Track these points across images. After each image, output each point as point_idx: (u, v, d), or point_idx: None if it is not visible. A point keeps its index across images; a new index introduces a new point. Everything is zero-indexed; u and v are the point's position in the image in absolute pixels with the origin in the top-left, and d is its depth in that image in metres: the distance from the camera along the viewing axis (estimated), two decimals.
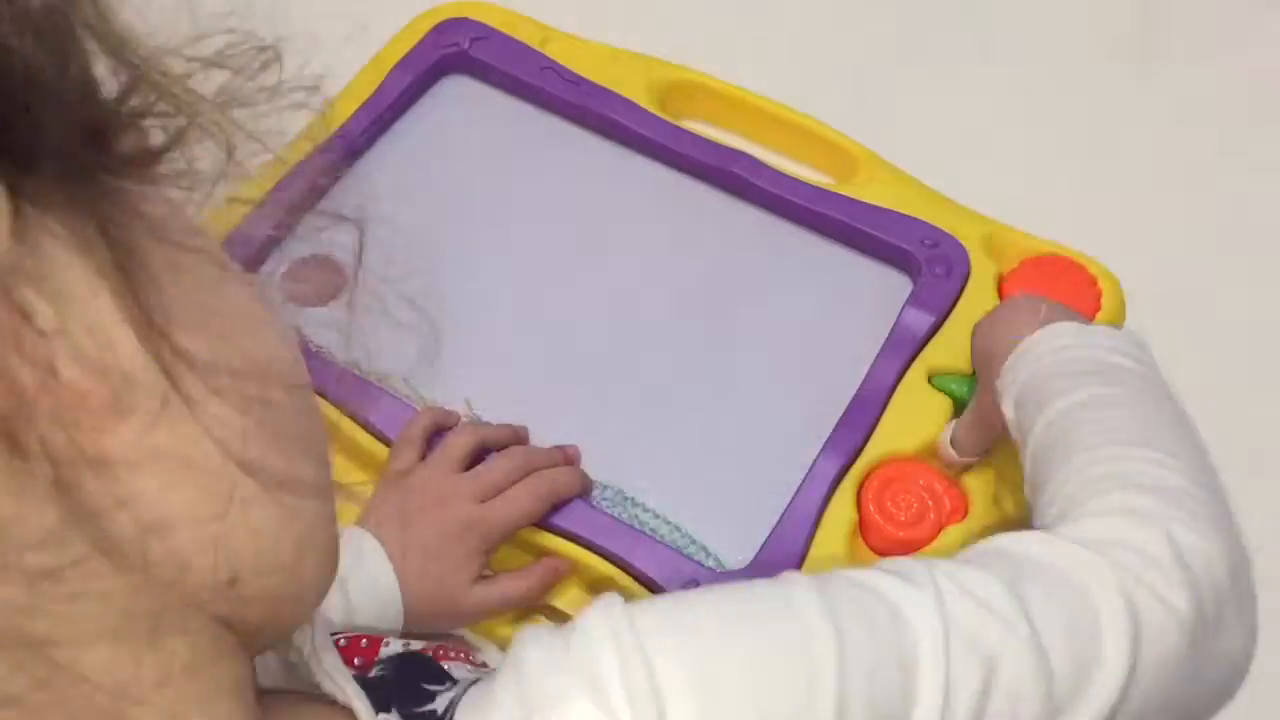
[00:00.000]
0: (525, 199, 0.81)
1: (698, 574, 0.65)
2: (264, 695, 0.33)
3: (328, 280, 0.77)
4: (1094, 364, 0.55)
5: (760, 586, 0.39)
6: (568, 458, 0.69)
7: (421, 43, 0.86)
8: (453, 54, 0.86)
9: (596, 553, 0.66)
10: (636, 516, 0.68)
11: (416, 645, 0.49)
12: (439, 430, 0.69)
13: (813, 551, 0.66)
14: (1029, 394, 0.56)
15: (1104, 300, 0.74)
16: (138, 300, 0.27)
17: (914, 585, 0.39)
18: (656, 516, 0.68)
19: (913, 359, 0.72)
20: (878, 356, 0.72)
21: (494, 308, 0.76)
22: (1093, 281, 0.75)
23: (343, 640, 0.50)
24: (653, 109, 0.83)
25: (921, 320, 0.73)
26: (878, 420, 0.70)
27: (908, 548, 0.66)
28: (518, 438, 0.69)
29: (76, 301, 0.26)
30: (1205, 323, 0.78)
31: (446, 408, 0.71)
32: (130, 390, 0.27)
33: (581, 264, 0.78)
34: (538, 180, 0.82)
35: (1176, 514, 0.45)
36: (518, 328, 0.76)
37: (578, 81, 0.84)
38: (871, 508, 0.67)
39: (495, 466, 0.65)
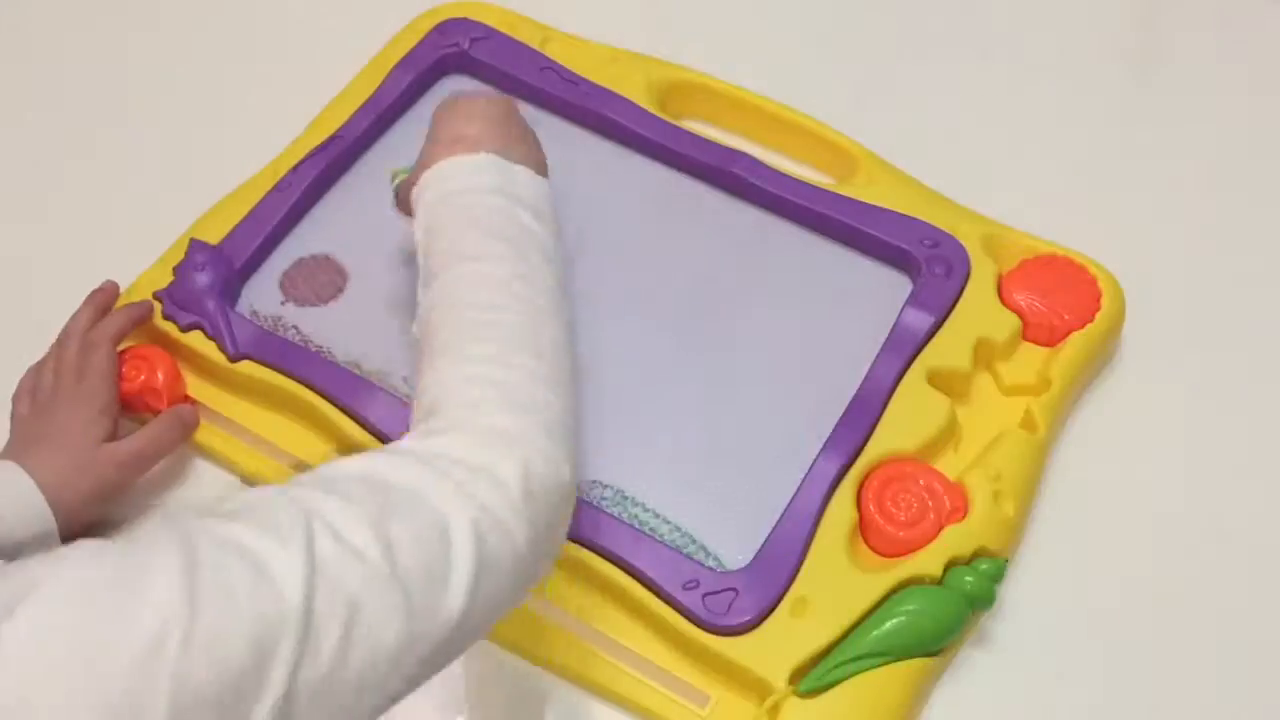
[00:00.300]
0: None
1: (697, 573, 0.65)
2: None
3: (327, 280, 0.77)
4: (509, 225, 0.59)
5: (127, 551, 0.40)
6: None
7: (422, 43, 0.86)
8: (453, 54, 0.86)
9: (597, 552, 0.66)
10: (636, 516, 0.68)
11: None
12: (104, 311, 0.73)
13: (813, 551, 0.66)
14: (439, 232, 0.60)
15: (1104, 300, 0.74)
16: None
17: (283, 539, 0.42)
18: (656, 516, 0.68)
19: (913, 359, 0.72)
20: (878, 356, 0.72)
21: None
22: (1092, 282, 0.75)
23: None
24: (652, 109, 0.83)
25: (921, 320, 0.73)
26: (878, 420, 0.70)
27: (908, 547, 0.66)
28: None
29: None
30: (1205, 323, 0.78)
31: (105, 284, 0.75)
32: None
33: (581, 263, 0.78)
34: None
35: (536, 440, 0.51)
36: None
37: (577, 81, 0.84)
38: (871, 507, 0.67)
39: (54, 351, 0.71)
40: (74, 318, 0.72)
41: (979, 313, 0.73)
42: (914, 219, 0.77)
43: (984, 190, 0.79)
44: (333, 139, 0.81)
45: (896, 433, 0.69)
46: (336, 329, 0.75)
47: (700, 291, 0.77)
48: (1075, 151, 0.86)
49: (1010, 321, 0.73)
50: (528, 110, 0.85)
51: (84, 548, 0.40)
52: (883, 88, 0.89)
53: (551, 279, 0.59)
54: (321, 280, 0.77)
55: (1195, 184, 0.85)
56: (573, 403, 0.55)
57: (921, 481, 0.67)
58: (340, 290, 0.77)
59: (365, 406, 0.70)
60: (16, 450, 0.67)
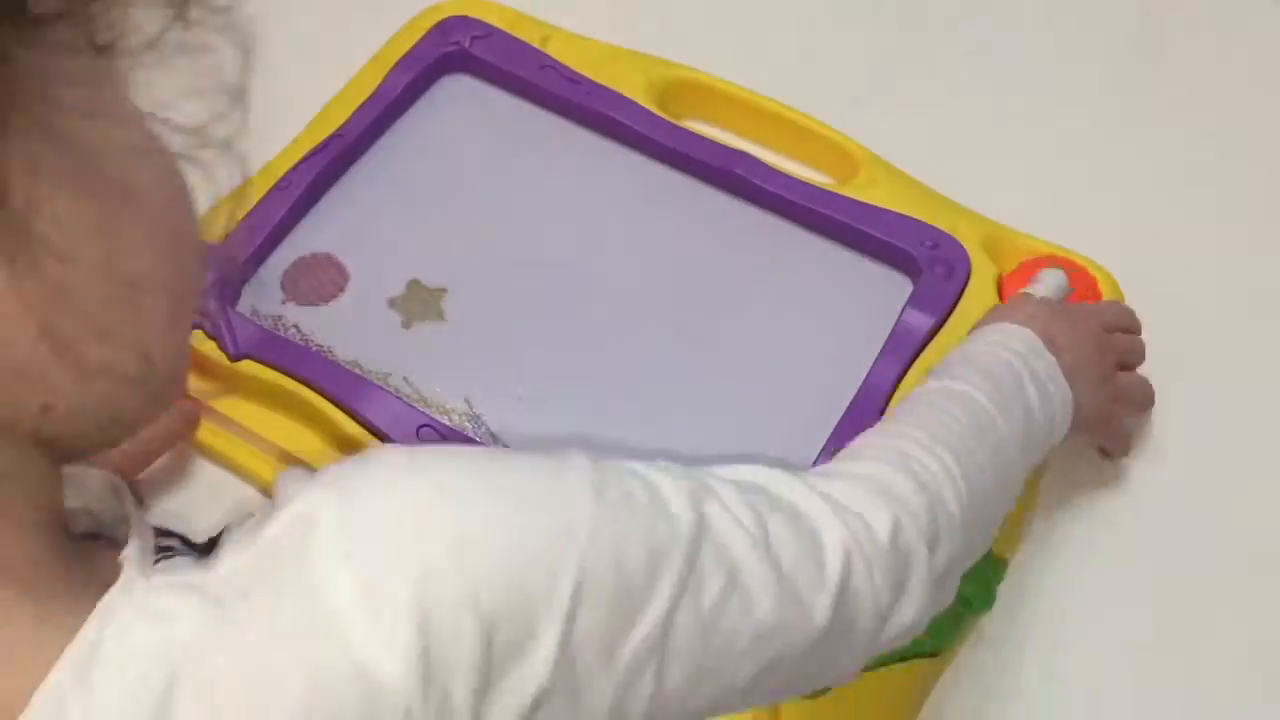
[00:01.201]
0: (525, 198, 0.81)
1: None
2: (74, 538, 0.36)
3: (328, 279, 0.77)
4: (1008, 376, 0.60)
5: (544, 458, 0.41)
6: None
7: (422, 41, 0.86)
8: (453, 52, 0.86)
9: None
10: None
11: None
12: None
13: None
14: (945, 366, 0.62)
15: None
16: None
17: (674, 487, 0.42)
18: None
19: (913, 360, 0.72)
20: (878, 357, 0.72)
21: (494, 306, 0.76)
22: (1092, 283, 0.75)
23: None
24: (653, 108, 0.83)
25: (922, 321, 0.73)
26: (878, 421, 0.70)
27: None
28: None
29: None
30: (1206, 322, 0.78)
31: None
32: None
33: (581, 263, 0.78)
34: (538, 179, 0.82)
35: (913, 507, 0.50)
36: (517, 326, 0.76)
37: (578, 80, 0.84)
38: None
39: None
40: None
41: (979, 314, 0.73)
42: (914, 220, 0.77)
43: (984, 191, 0.79)
44: (333, 137, 0.81)
45: None
46: (337, 328, 0.75)
47: (699, 291, 0.77)
48: (1076, 153, 0.86)
49: None
50: (528, 109, 0.85)
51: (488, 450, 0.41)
52: (884, 88, 0.89)
53: (1021, 436, 0.59)
54: (322, 279, 0.77)
55: (1196, 185, 0.85)
56: (964, 551, 0.53)
57: None
58: (341, 289, 0.77)
59: (366, 406, 0.70)
60: None
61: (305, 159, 0.80)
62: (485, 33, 0.86)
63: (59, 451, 0.34)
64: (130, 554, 0.35)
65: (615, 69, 0.84)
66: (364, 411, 0.70)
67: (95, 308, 0.32)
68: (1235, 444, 0.74)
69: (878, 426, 0.58)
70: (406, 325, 0.76)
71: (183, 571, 0.35)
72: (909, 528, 0.49)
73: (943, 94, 0.89)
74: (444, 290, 0.77)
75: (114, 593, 0.33)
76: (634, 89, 0.83)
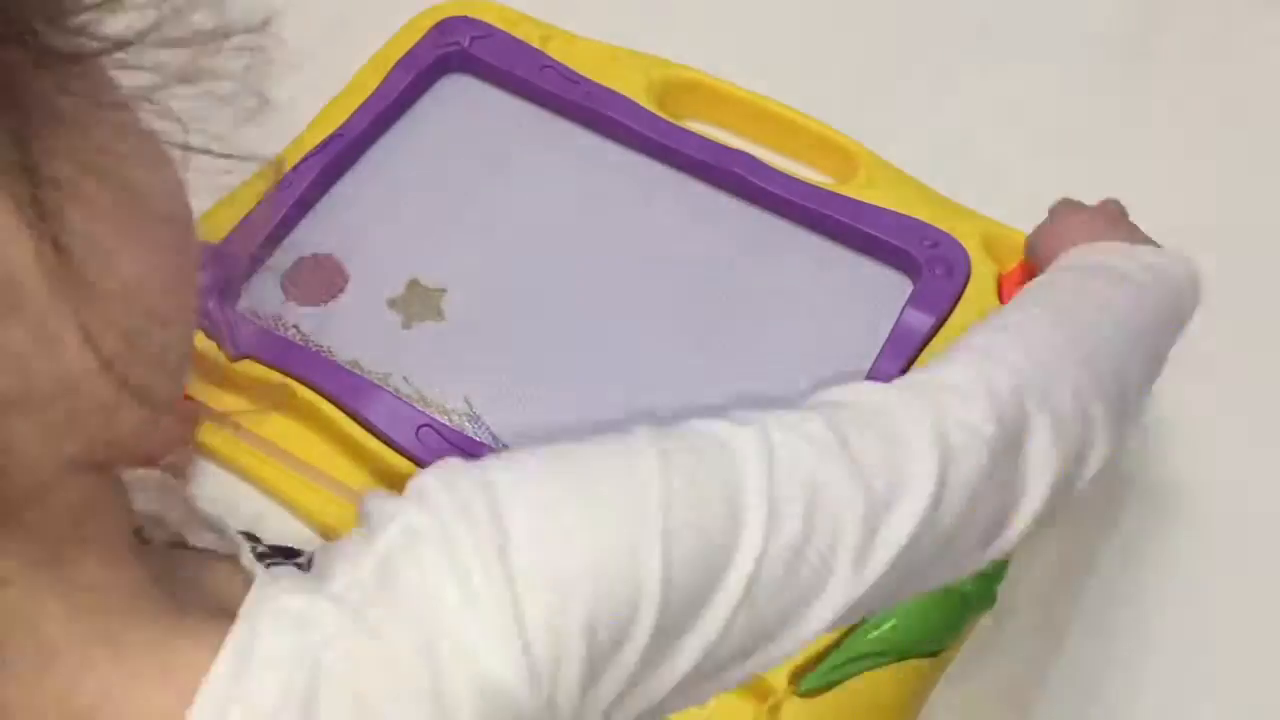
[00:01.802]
0: (525, 198, 0.81)
1: None
2: (150, 549, 0.36)
3: (328, 280, 0.77)
4: (1110, 271, 0.58)
5: (603, 436, 0.41)
6: None
7: (421, 41, 0.86)
8: (453, 52, 0.86)
9: None
10: None
11: None
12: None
13: None
14: (1039, 281, 0.59)
15: None
16: (36, 207, 0.27)
17: (740, 422, 0.41)
18: None
19: (913, 359, 0.72)
20: (878, 357, 0.72)
21: (493, 306, 0.76)
22: None
23: None
24: (653, 108, 0.83)
25: (922, 321, 0.73)
26: None
27: None
28: None
29: None
30: (1207, 321, 0.78)
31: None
32: (13, 295, 0.28)
33: (581, 263, 0.78)
34: (537, 179, 0.82)
35: (998, 366, 0.47)
36: (517, 326, 0.76)
37: (578, 80, 0.84)
38: None
39: None
40: None
41: (979, 313, 0.73)
42: (914, 219, 0.77)
43: (984, 191, 0.80)
44: (333, 137, 0.81)
45: None
46: (337, 328, 0.75)
47: (699, 291, 0.77)
48: (1075, 152, 0.86)
49: None
50: (528, 109, 0.85)
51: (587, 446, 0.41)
52: (883, 88, 0.89)
53: (1136, 299, 0.57)
54: (322, 279, 0.77)
55: (1197, 184, 0.85)
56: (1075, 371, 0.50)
57: None
58: (341, 289, 0.77)
59: (366, 406, 0.70)
60: None
61: (305, 159, 0.80)
62: (485, 33, 0.86)
63: (117, 468, 0.35)
64: (248, 561, 0.36)
65: (615, 69, 0.84)
66: (364, 411, 0.70)
67: (148, 344, 0.32)
68: (1237, 443, 0.74)
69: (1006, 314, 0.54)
70: (406, 325, 0.76)
71: (302, 579, 0.36)
72: (1005, 378, 0.47)
73: (942, 93, 0.89)
74: (443, 290, 0.77)
75: (252, 599, 0.34)
76: (634, 89, 0.83)
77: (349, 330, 0.75)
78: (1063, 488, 0.49)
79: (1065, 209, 0.68)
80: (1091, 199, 0.83)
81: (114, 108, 0.30)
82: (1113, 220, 0.65)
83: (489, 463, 0.38)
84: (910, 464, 0.43)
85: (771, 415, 0.42)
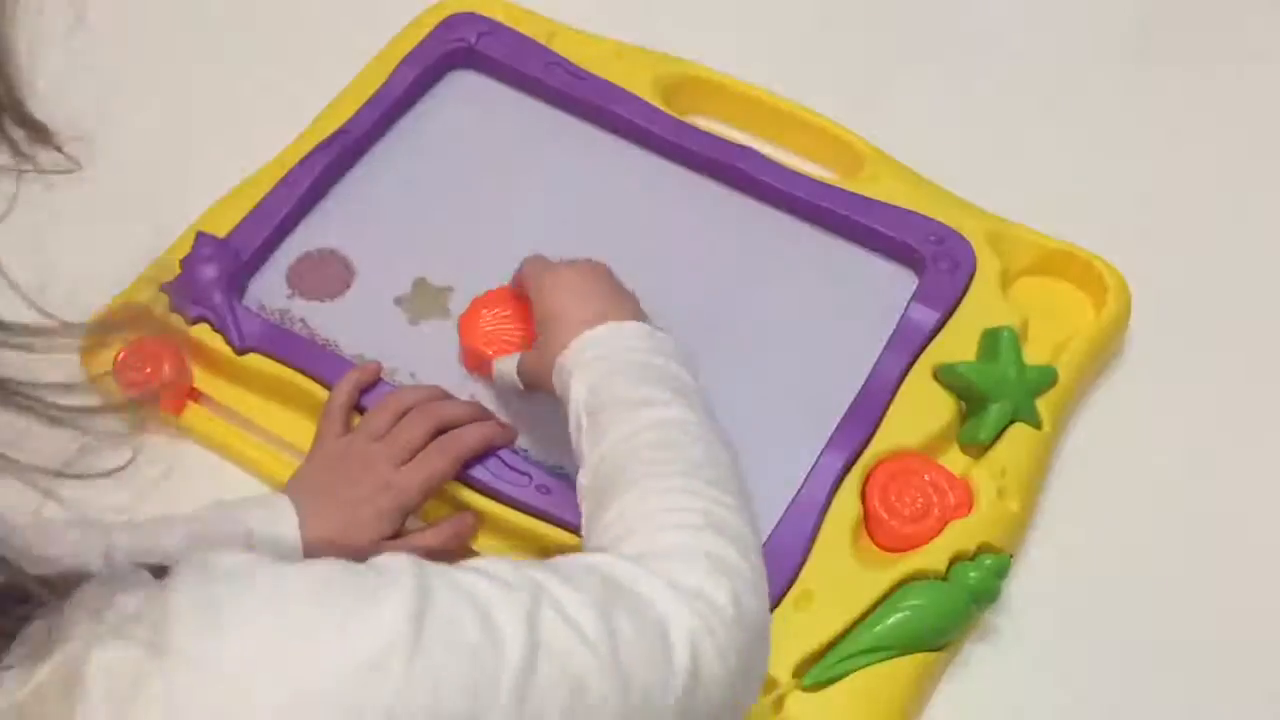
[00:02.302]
0: (530, 193, 0.81)
1: None
2: None
3: (334, 274, 0.78)
4: (664, 376, 0.58)
5: (361, 574, 0.41)
6: (479, 413, 0.70)
7: (428, 37, 0.86)
8: (459, 49, 0.86)
9: None
10: None
11: None
12: (365, 389, 0.70)
13: (817, 545, 0.66)
14: (603, 390, 0.58)
15: (1110, 296, 0.74)
16: None
17: (510, 603, 0.42)
18: None
19: (918, 354, 0.72)
20: (883, 352, 0.72)
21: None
22: (1099, 277, 0.75)
23: None
24: (658, 104, 0.83)
25: (927, 316, 0.73)
26: (883, 415, 0.70)
27: (912, 542, 0.66)
28: (432, 397, 0.70)
29: None
30: (1211, 319, 0.78)
31: (367, 363, 0.72)
32: None
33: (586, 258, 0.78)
34: (543, 174, 0.82)
35: (743, 570, 0.49)
36: None
37: (583, 76, 0.84)
38: (876, 502, 0.67)
39: (406, 426, 0.67)
40: (435, 395, 0.69)
41: (984, 308, 0.73)
42: (919, 215, 0.77)
43: (989, 186, 0.79)
44: (339, 133, 0.81)
45: (901, 428, 0.69)
46: (343, 323, 0.75)
47: (705, 286, 0.77)
48: (1081, 148, 0.86)
49: (1015, 318, 0.73)
50: (534, 105, 0.85)
51: (326, 562, 0.41)
52: (888, 84, 0.89)
53: (712, 425, 0.58)
54: (328, 274, 0.77)
55: (1201, 181, 0.85)
56: (756, 539, 0.53)
57: (926, 477, 0.67)
58: (347, 285, 0.77)
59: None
60: (307, 481, 0.66)
61: (311, 154, 0.80)
62: (491, 29, 0.86)
63: None
64: None
65: (621, 65, 0.84)
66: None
67: None
68: (1240, 440, 0.74)
69: (630, 485, 0.54)
70: (413, 322, 0.76)
71: None
72: (744, 593, 0.48)
73: (947, 90, 0.89)
74: (450, 289, 0.77)
75: None
76: (639, 85, 0.83)
77: (355, 326, 0.75)
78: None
79: (540, 267, 0.67)
80: (1097, 195, 0.84)
81: None
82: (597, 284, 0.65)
83: (219, 595, 0.38)
84: (665, 688, 0.44)
85: (548, 594, 0.43)
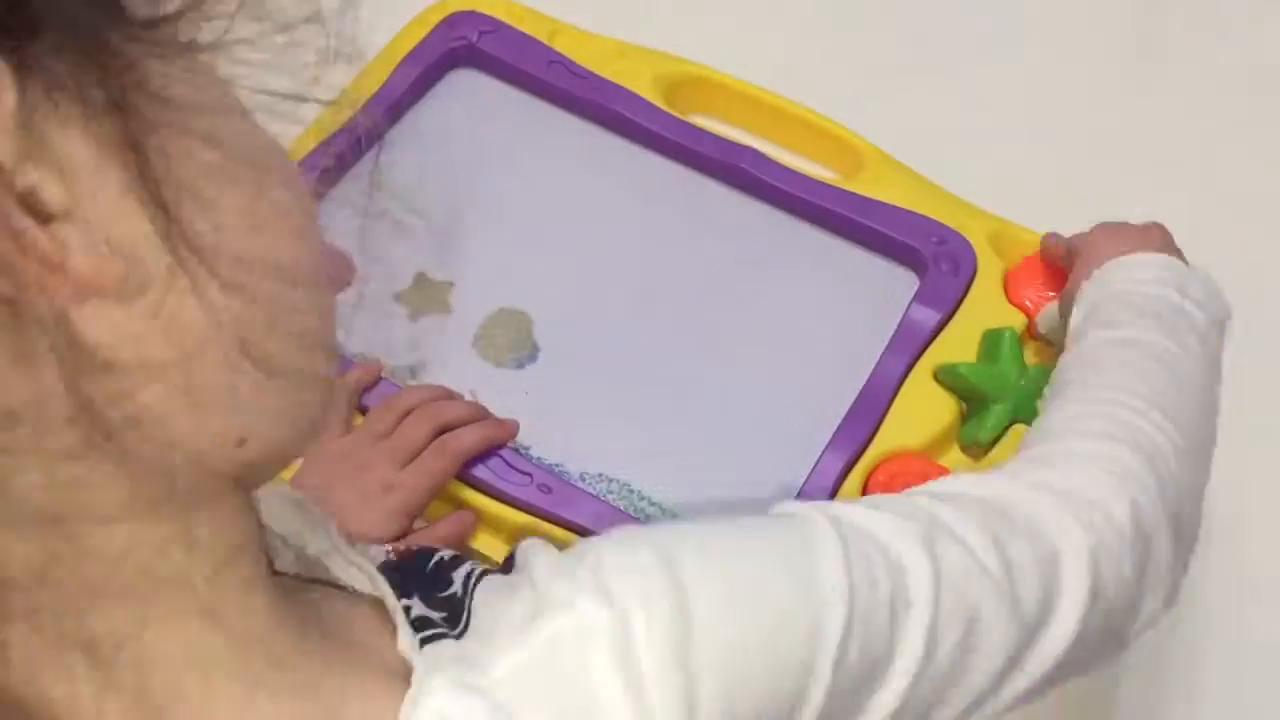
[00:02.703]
0: (532, 193, 0.81)
1: None
2: (284, 580, 0.34)
3: (335, 273, 0.77)
4: (1166, 306, 0.58)
5: (785, 526, 0.41)
6: (480, 413, 0.70)
7: (429, 36, 0.86)
8: (460, 47, 0.86)
9: None
10: (642, 510, 0.68)
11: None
12: (367, 389, 0.71)
13: None
14: (1094, 312, 0.59)
15: None
16: (147, 180, 0.27)
17: (912, 537, 0.41)
18: (662, 510, 0.68)
19: (919, 355, 0.72)
20: (884, 352, 0.72)
21: (500, 301, 0.76)
22: None
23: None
24: (660, 103, 0.83)
25: (928, 317, 0.73)
26: (884, 416, 0.70)
27: None
28: (434, 397, 0.70)
29: (84, 181, 0.26)
30: None
31: (368, 363, 0.72)
32: (138, 273, 0.27)
33: (588, 258, 0.78)
34: (544, 174, 0.82)
35: (1148, 483, 0.48)
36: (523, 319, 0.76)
37: (585, 76, 0.84)
38: None
39: (408, 427, 0.67)
40: (437, 396, 0.69)
41: (985, 309, 0.73)
42: (920, 215, 0.77)
43: (990, 187, 0.79)
44: (340, 132, 0.81)
45: (902, 429, 0.69)
46: (343, 319, 0.75)
47: (705, 286, 0.77)
48: (1082, 149, 0.86)
49: (1016, 319, 0.73)
50: (535, 104, 0.85)
51: (746, 520, 0.41)
52: (889, 84, 0.89)
53: (1204, 361, 0.57)
54: (328, 273, 0.77)
55: (1201, 182, 0.85)
56: (1197, 480, 0.52)
57: (927, 477, 0.67)
58: (348, 283, 0.77)
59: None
60: (308, 481, 0.65)
61: (312, 152, 0.80)
62: (493, 28, 0.86)
63: (251, 484, 0.33)
64: (405, 646, 0.34)
65: (622, 64, 0.84)
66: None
67: (275, 309, 0.31)
68: (1241, 440, 0.74)
69: (1065, 390, 0.54)
70: (413, 318, 0.76)
71: (456, 665, 0.34)
72: (1147, 508, 0.47)
73: (949, 90, 0.89)
74: (450, 284, 0.77)
75: (410, 699, 0.33)
76: (641, 84, 0.83)
77: (355, 321, 0.75)
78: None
79: (1108, 226, 0.68)
80: (1098, 196, 0.84)
81: (195, 64, 0.30)
82: (1146, 233, 0.65)
83: (669, 538, 0.38)
84: (1061, 598, 0.44)
85: (943, 525, 0.42)
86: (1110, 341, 0.57)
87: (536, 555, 0.37)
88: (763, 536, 0.40)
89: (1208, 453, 0.54)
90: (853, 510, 0.42)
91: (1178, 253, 0.64)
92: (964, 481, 0.47)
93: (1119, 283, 0.60)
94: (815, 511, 0.41)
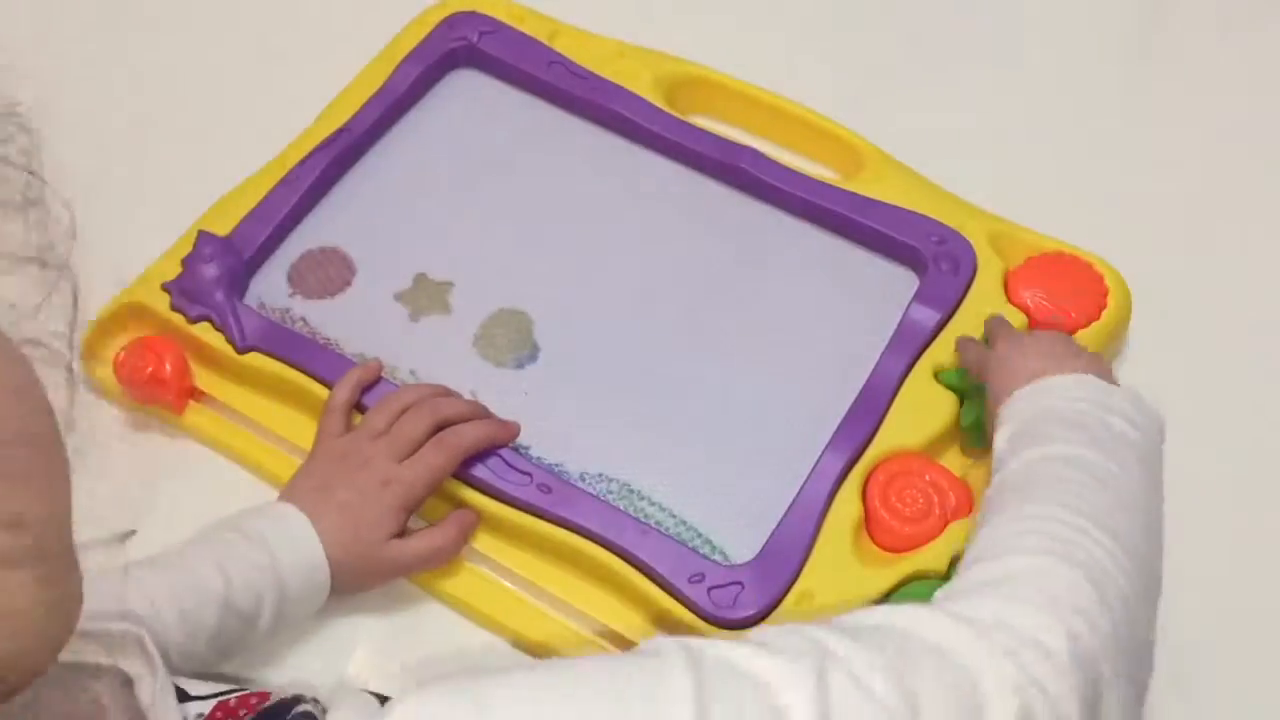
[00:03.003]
0: (532, 192, 0.81)
1: (703, 567, 0.65)
2: None
3: (335, 273, 0.78)
4: (1097, 425, 0.56)
5: (632, 666, 0.40)
6: (479, 410, 0.70)
7: (430, 36, 0.86)
8: (461, 48, 0.86)
9: (602, 545, 0.66)
10: (642, 510, 0.68)
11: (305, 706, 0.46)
12: (367, 388, 0.70)
13: (818, 546, 0.66)
14: (1021, 432, 0.57)
15: (1110, 298, 0.74)
16: None
17: (793, 673, 0.39)
18: (662, 510, 0.68)
19: (919, 355, 0.72)
20: (884, 352, 0.72)
21: (500, 301, 0.76)
22: (1099, 279, 0.75)
23: (233, 700, 0.47)
24: (660, 103, 0.83)
25: (928, 316, 0.73)
26: (884, 416, 0.70)
27: (913, 543, 0.66)
28: (434, 395, 0.70)
29: None
30: (1212, 320, 0.78)
31: (368, 362, 0.72)
32: None
33: (588, 258, 0.78)
34: (544, 174, 0.82)
35: (1086, 607, 0.45)
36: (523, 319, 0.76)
37: (585, 76, 0.84)
38: (877, 502, 0.67)
39: (406, 423, 0.67)
40: (437, 393, 0.69)
41: (985, 310, 0.73)
42: (921, 215, 0.77)
43: (991, 187, 0.79)
44: (341, 131, 0.81)
45: (902, 428, 0.69)
46: (344, 322, 0.75)
47: (706, 286, 0.77)
48: (1082, 149, 0.86)
49: (1016, 319, 0.73)
50: (535, 104, 0.85)
51: (592, 659, 0.41)
52: (890, 84, 0.89)
53: (1144, 482, 0.53)
54: (329, 273, 0.77)
55: (1202, 182, 0.85)
56: (1143, 615, 0.48)
57: (927, 477, 0.68)
58: (348, 283, 0.77)
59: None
60: (308, 483, 0.65)
61: (313, 153, 0.80)
62: (493, 28, 0.86)
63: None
64: None
65: (622, 64, 0.84)
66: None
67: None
68: (1242, 440, 0.74)
69: (996, 513, 0.52)
70: (414, 318, 0.76)
71: None
72: (1087, 636, 0.43)
73: (949, 90, 0.89)
74: (450, 284, 0.77)
75: None
76: (641, 84, 0.83)
77: (356, 323, 0.75)
78: None
79: (1008, 333, 0.67)
80: (1098, 196, 0.84)
81: None
82: (1066, 348, 0.63)
83: (486, 689, 0.38)
84: None
85: (833, 657, 0.40)
86: (1044, 459, 0.54)
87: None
88: (592, 683, 0.39)
89: (1155, 577, 0.51)
90: (731, 649, 0.40)
91: (1095, 360, 0.62)
92: (882, 613, 0.44)
93: (1046, 400, 0.58)
94: (677, 652, 0.39)
